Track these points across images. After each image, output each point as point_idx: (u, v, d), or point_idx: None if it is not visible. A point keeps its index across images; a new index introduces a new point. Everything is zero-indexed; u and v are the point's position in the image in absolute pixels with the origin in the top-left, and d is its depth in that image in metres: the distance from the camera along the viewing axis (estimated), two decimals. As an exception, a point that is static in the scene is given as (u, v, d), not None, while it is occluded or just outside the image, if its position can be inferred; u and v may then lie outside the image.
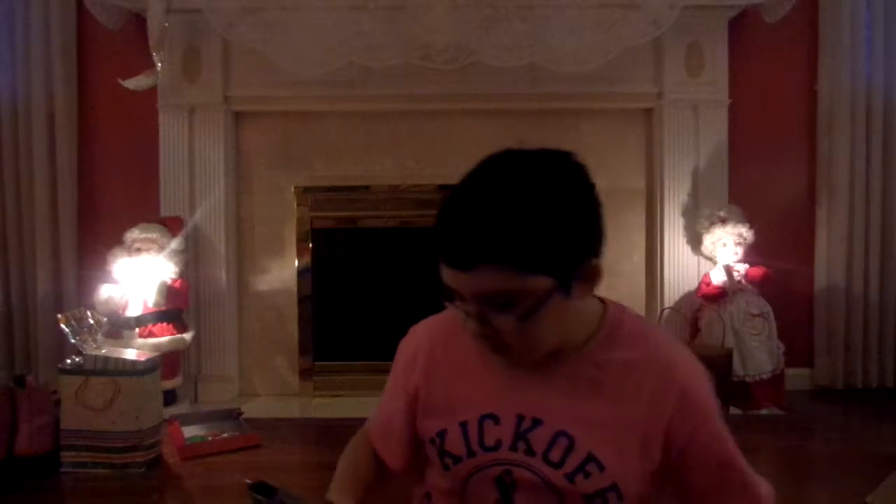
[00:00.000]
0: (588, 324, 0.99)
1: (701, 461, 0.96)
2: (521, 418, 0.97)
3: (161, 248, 3.07)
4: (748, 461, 1.00)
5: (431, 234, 0.91)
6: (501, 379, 0.99)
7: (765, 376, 3.09)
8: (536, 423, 0.96)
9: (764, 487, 1.00)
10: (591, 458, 0.94)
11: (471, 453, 0.98)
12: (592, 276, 0.92)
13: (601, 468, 0.94)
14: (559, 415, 0.96)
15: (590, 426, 0.95)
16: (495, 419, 0.97)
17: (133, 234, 3.07)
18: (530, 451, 0.96)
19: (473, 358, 1.01)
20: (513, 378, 0.98)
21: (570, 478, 0.94)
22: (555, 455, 0.95)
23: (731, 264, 3.16)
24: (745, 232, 3.16)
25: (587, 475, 0.94)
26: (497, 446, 0.97)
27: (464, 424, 0.99)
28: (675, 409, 0.94)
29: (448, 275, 0.90)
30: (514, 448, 0.96)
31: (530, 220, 0.85)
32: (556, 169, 0.91)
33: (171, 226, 3.16)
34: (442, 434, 1.00)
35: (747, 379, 3.07)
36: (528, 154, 0.92)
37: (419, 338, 1.09)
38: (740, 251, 3.17)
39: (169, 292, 3.08)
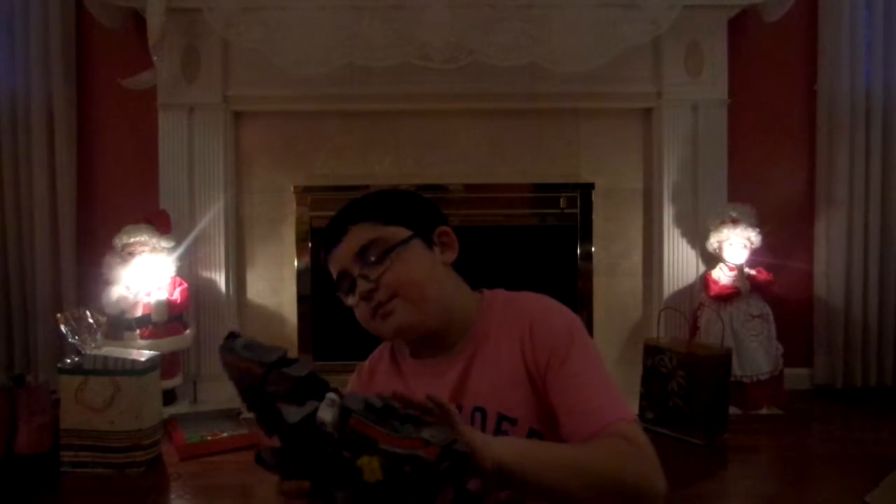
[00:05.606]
0: (473, 311, 1.10)
1: (556, 386, 1.00)
2: None
3: (153, 249, 3.03)
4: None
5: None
6: (416, 389, 1.03)
7: (762, 377, 3.08)
8: (457, 409, 0.99)
9: (615, 414, 0.96)
10: (502, 417, 1.01)
11: None
12: (449, 241, 1.10)
13: (513, 422, 1.01)
14: (469, 395, 1.04)
15: (492, 391, 1.03)
16: None
17: (122, 240, 3.02)
18: None
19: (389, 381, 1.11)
20: (423, 385, 1.02)
21: None
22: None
23: (742, 264, 3.14)
24: (754, 237, 3.14)
25: (505, 434, 1.00)
26: None
27: None
28: (531, 341, 1.03)
29: (331, 261, 1.10)
30: None
31: (385, 195, 1.14)
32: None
33: (158, 221, 3.12)
34: None
35: (744, 380, 3.06)
36: None
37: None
38: (746, 254, 3.16)
39: (169, 307, 3.06)
